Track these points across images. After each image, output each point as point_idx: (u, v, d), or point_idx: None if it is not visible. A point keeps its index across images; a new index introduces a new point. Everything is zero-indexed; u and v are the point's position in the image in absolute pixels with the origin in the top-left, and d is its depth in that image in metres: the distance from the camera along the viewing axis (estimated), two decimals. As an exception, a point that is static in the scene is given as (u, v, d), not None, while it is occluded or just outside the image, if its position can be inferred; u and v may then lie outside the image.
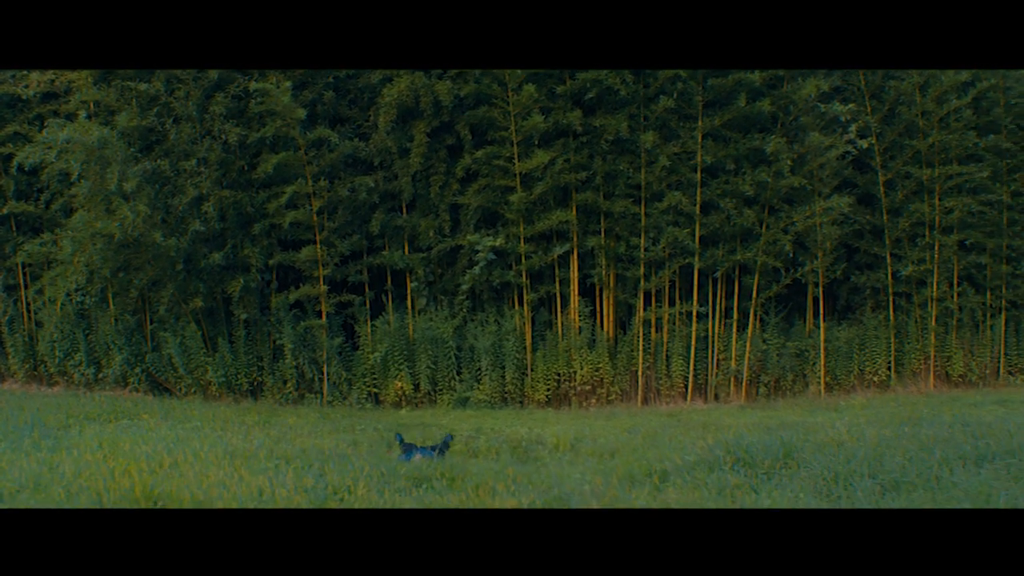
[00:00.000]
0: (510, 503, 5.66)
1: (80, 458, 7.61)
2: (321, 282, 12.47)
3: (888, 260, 13.40)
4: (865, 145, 12.99)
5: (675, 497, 5.79)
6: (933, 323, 13.41)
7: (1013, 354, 13.79)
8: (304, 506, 5.86)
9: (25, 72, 12.96)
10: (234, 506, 5.80)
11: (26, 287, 13.43)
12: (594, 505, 5.40)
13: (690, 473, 6.39)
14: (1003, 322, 13.74)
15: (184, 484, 6.38)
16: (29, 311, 13.45)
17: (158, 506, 5.87)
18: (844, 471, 5.94)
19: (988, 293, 13.71)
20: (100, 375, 12.90)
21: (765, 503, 5.35)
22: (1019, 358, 13.79)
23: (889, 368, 13.33)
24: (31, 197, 13.20)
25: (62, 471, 7.01)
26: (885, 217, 13.39)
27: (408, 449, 8.06)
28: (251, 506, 5.81)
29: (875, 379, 13.24)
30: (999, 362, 13.72)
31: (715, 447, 6.95)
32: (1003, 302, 13.78)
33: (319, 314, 12.58)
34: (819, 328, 13.12)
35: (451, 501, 5.92)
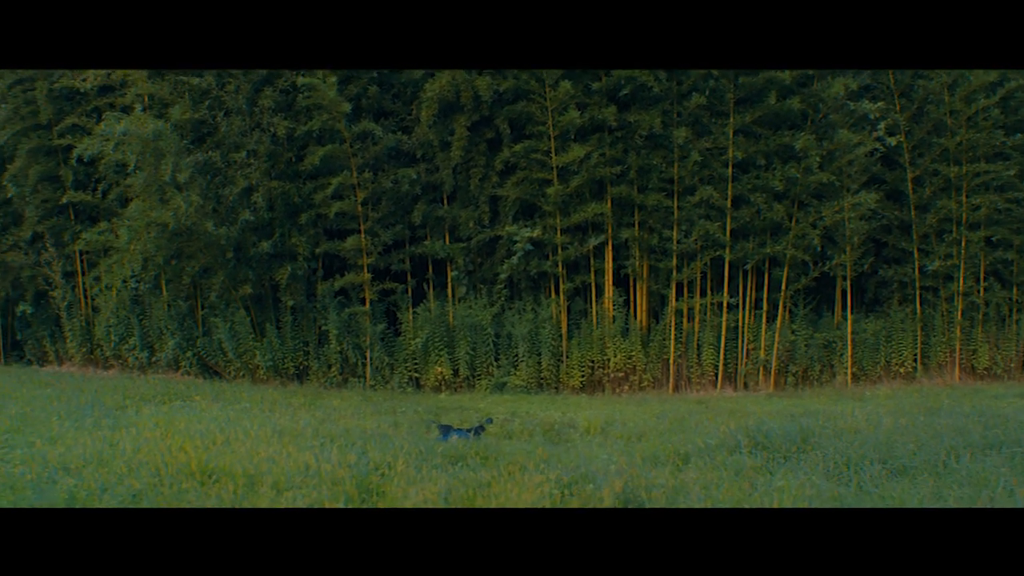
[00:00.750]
0: (537, 478, 6.04)
1: (139, 436, 8.04)
2: (365, 270, 12.93)
3: (916, 255, 13.66)
4: (894, 142, 13.23)
5: (693, 477, 6.15)
6: (959, 317, 13.63)
7: None
8: (347, 480, 6.26)
9: (84, 66, 13.58)
10: (282, 480, 6.20)
11: (83, 274, 14.03)
12: (617, 483, 5.76)
13: (710, 455, 6.76)
14: None
15: (236, 459, 6.79)
16: (86, 297, 14.05)
17: (212, 479, 6.28)
18: (856, 456, 6.30)
19: (1015, 288, 13.86)
20: (153, 359, 13.42)
21: (779, 483, 5.70)
22: None
23: (915, 360, 13.55)
24: (88, 187, 13.75)
25: (123, 447, 7.44)
26: (913, 213, 13.65)
27: (446, 430, 8.48)
28: (298, 479, 6.22)
29: (901, 371, 13.49)
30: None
31: (736, 432, 7.31)
32: None
33: (363, 301, 13.03)
34: (847, 320, 13.41)
35: (484, 477, 6.30)
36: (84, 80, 13.46)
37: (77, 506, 5.55)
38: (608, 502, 5.42)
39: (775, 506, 5.32)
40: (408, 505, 5.62)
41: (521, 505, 5.41)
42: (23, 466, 6.64)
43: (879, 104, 13.23)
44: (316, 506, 5.52)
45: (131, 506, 5.63)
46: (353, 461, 6.85)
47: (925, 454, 6.56)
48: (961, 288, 13.66)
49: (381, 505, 5.73)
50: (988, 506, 5.12)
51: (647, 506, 5.38)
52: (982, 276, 13.79)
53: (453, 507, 5.56)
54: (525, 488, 5.71)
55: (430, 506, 5.54)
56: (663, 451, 7.28)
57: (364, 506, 5.72)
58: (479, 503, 5.59)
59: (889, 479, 6.00)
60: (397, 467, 6.71)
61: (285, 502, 5.64)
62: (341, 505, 5.60)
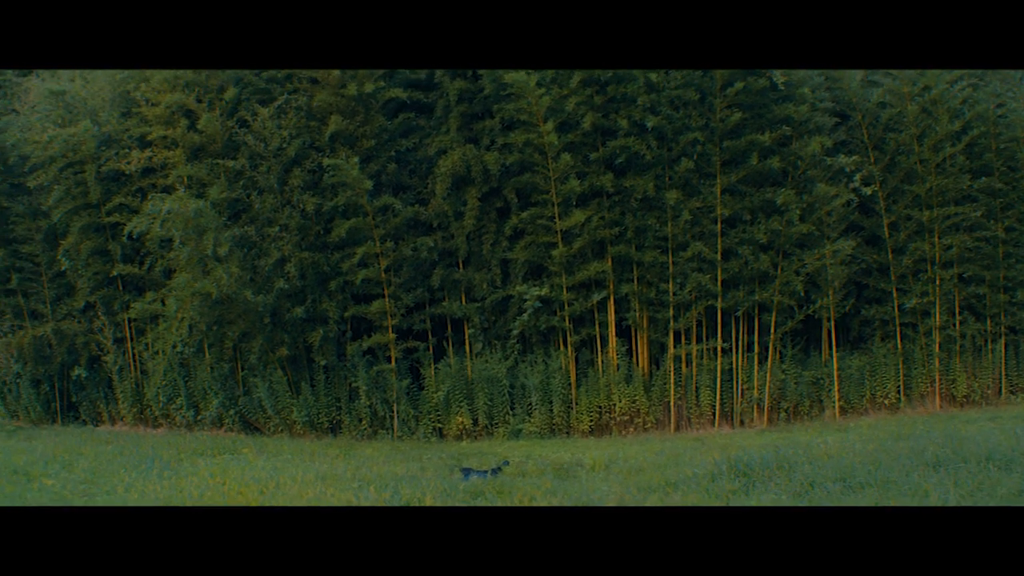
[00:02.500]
0: (540, 501, 7.32)
1: (200, 483, 9.40)
2: (390, 331, 14.10)
3: (894, 294, 14.80)
4: (869, 192, 14.34)
5: (678, 500, 7.40)
6: (937, 349, 14.76)
7: (1013, 375, 15.05)
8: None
9: (127, 150, 14.85)
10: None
11: (132, 339, 15.29)
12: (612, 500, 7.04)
13: (696, 482, 8.01)
14: (1003, 346, 15.01)
15: (287, 500, 8.11)
16: (136, 361, 15.32)
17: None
18: (820, 477, 7.54)
19: (988, 320, 14.97)
20: (199, 417, 14.57)
21: (751, 502, 6.96)
22: (1018, 378, 15.04)
23: (899, 392, 14.63)
24: (135, 260, 14.95)
25: (188, 493, 8.78)
26: (890, 255, 14.80)
27: (467, 472, 9.77)
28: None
29: (886, 402, 14.59)
30: (1000, 383, 14.95)
31: (720, 462, 8.55)
32: (1002, 328, 15.02)
33: (389, 359, 14.20)
34: (833, 358, 14.50)
35: (499, 503, 7.58)
36: (129, 163, 14.65)
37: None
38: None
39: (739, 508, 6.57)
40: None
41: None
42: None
43: (854, 158, 14.37)
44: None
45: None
46: (387, 498, 8.12)
47: (881, 473, 7.76)
48: (938, 323, 14.78)
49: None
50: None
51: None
52: (957, 311, 14.88)
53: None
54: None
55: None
56: (656, 481, 8.51)
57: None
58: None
59: (843, 494, 7.21)
60: (425, 501, 7.99)
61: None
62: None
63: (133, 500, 8.68)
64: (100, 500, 8.90)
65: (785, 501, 6.98)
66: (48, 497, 9.11)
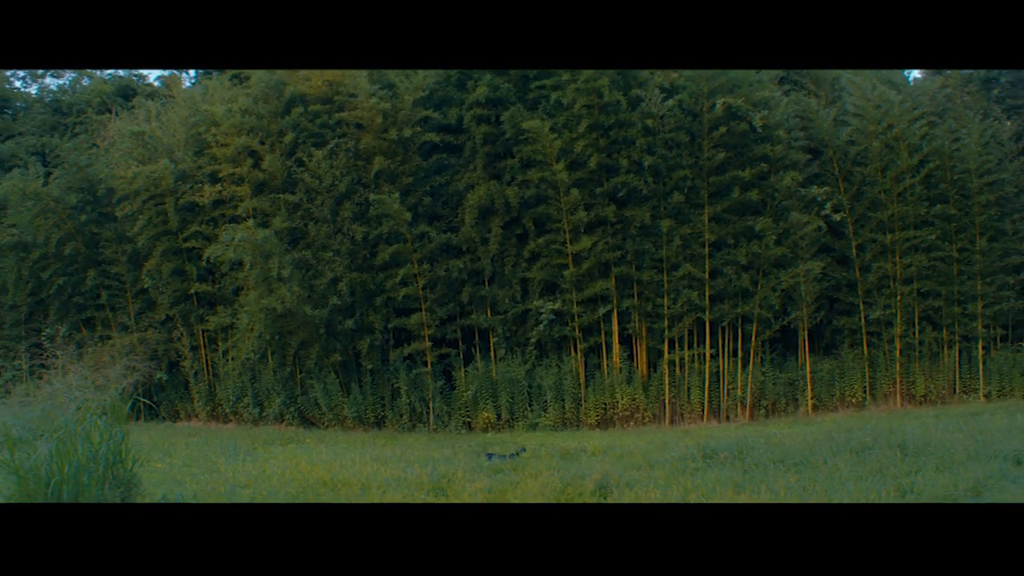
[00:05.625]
0: (545, 474, 9.66)
1: (278, 464, 11.66)
2: (426, 339, 16.40)
3: (861, 307, 17.00)
4: (839, 218, 16.63)
5: (654, 475, 9.59)
6: (898, 355, 16.91)
7: (966, 377, 16.99)
8: (426, 483, 9.58)
9: (201, 185, 17.27)
10: (383, 485, 9.46)
11: (206, 347, 17.80)
12: (596, 475, 9.24)
13: (670, 463, 10.29)
14: (957, 352, 16.99)
15: (350, 475, 10.27)
16: (208, 365, 17.82)
17: (338, 487, 9.66)
18: (764, 459, 9.86)
19: (943, 329, 16.99)
20: (263, 414, 16.90)
21: (708, 475, 9.28)
22: (971, 380, 16.97)
23: (864, 391, 16.73)
24: (208, 280, 17.50)
25: (271, 472, 11.05)
26: (858, 273, 17.03)
27: (491, 455, 12.08)
28: (394, 484, 9.52)
29: (853, 401, 16.73)
30: (955, 384, 16.93)
31: (693, 448, 10.88)
32: (956, 336, 17.03)
33: (425, 363, 16.43)
34: (806, 362, 16.69)
35: (514, 479, 9.72)
36: (202, 196, 17.11)
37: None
38: (590, 486, 8.93)
39: (698, 484, 8.84)
40: (465, 496, 9.01)
41: (536, 491, 8.89)
42: (210, 484, 10.08)
43: (825, 188, 16.62)
44: (408, 500, 8.88)
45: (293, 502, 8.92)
46: (428, 472, 10.25)
47: (811, 456, 9.96)
48: (899, 332, 16.93)
49: (448, 496, 9.12)
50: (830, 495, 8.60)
51: (614, 489, 8.82)
52: (916, 321, 17.00)
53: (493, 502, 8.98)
54: (540, 482, 9.32)
55: (479, 497, 8.92)
56: (639, 461, 10.68)
57: (438, 499, 9.05)
58: (509, 495, 8.99)
59: (775, 472, 9.33)
60: (457, 475, 10.21)
61: (389, 498, 8.95)
62: (424, 496, 9.07)
63: (228, 478, 10.90)
64: (203, 479, 11.11)
65: (733, 476, 9.29)
66: (163, 477, 11.04)
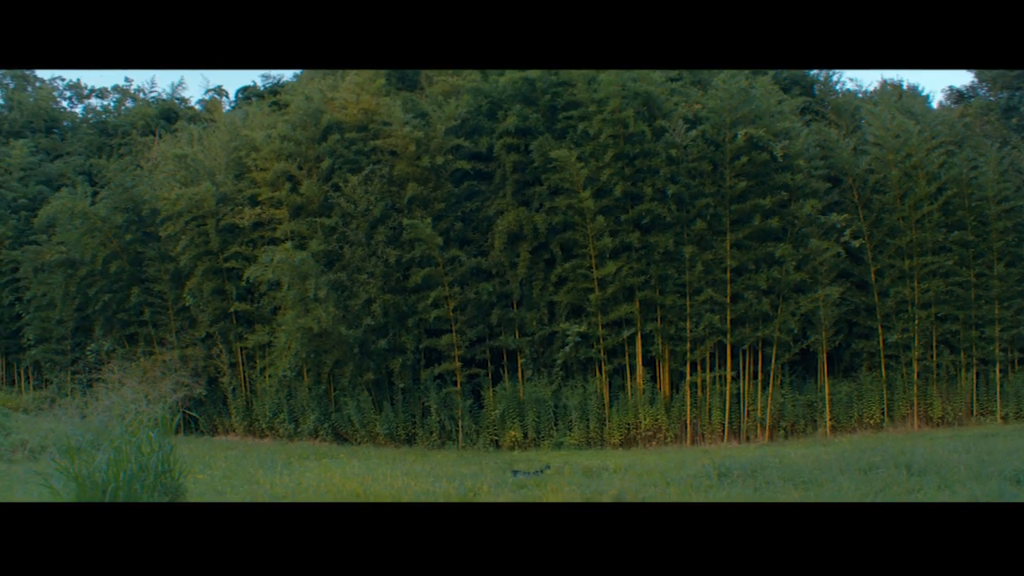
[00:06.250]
0: (567, 490, 10.21)
1: (314, 477, 12.23)
2: (456, 360, 16.93)
3: (880, 330, 17.41)
4: (858, 244, 17.06)
5: (670, 491, 10.08)
6: (916, 378, 17.32)
7: (983, 399, 17.41)
8: (453, 495, 10.05)
9: (241, 207, 17.99)
10: (413, 498, 10.03)
11: (243, 364, 18.52)
12: (613, 491, 9.82)
13: (686, 480, 10.76)
14: (974, 375, 17.42)
15: (383, 488, 10.76)
16: (246, 382, 18.55)
17: (371, 499, 10.22)
18: (775, 477, 10.35)
19: (961, 353, 17.42)
20: (298, 429, 17.55)
21: (720, 492, 9.78)
22: (988, 402, 17.39)
23: (882, 413, 17.15)
24: (247, 299, 18.19)
25: (306, 484, 11.60)
26: (876, 298, 17.48)
27: (516, 472, 12.63)
28: (423, 497, 9.99)
29: (871, 422, 17.15)
30: (972, 406, 17.38)
31: (708, 466, 11.38)
32: (974, 359, 17.43)
33: (455, 383, 16.98)
34: (825, 384, 17.11)
35: (537, 493, 10.21)
36: (242, 218, 17.84)
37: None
38: (607, 501, 9.47)
39: (709, 500, 9.34)
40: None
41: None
42: (250, 495, 10.57)
43: (845, 215, 17.08)
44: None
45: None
46: (455, 487, 10.67)
47: (820, 475, 10.36)
48: (917, 355, 17.32)
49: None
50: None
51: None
52: (934, 344, 17.41)
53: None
54: (561, 497, 9.87)
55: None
56: (657, 479, 11.12)
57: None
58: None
59: (783, 489, 9.76)
60: (483, 489, 10.63)
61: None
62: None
63: (267, 490, 11.48)
64: (243, 490, 11.67)
65: (744, 493, 9.79)
66: (205, 487, 11.58)
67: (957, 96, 23.72)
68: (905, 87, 23.03)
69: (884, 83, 23.57)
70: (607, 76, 16.20)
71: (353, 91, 17.98)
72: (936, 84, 55.08)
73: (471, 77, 18.13)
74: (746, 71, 17.20)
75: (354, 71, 18.22)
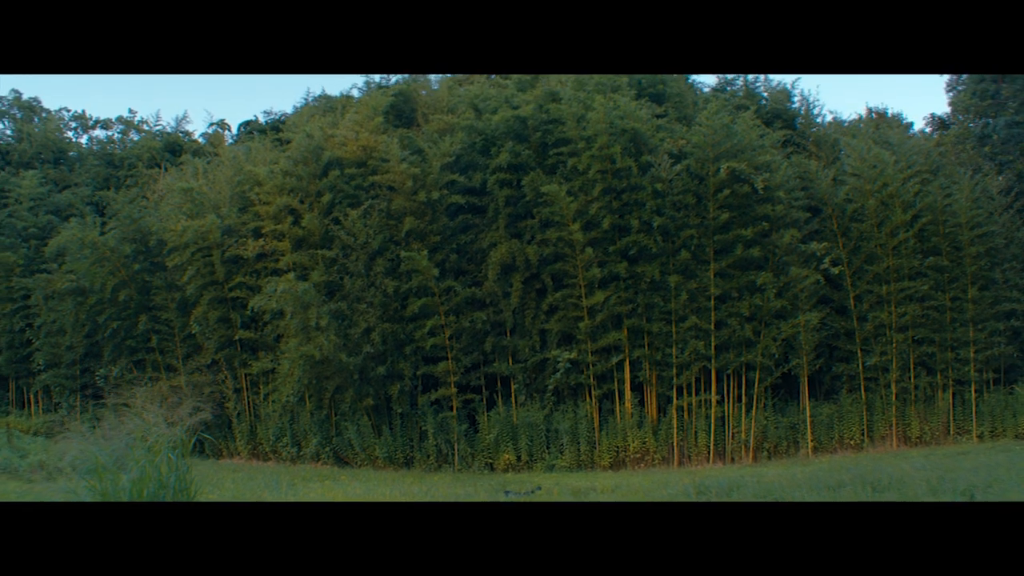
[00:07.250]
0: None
1: (317, 498, 12.77)
2: (452, 386, 17.65)
3: (859, 354, 18.11)
4: (837, 271, 17.77)
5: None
6: (894, 399, 17.96)
7: (960, 419, 18.04)
8: None
9: (245, 239, 18.72)
10: None
11: (248, 390, 19.24)
12: None
13: (666, 498, 11.44)
14: (950, 395, 18.04)
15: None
16: (251, 407, 19.25)
17: None
18: (749, 495, 11.01)
19: (937, 374, 18.06)
20: (300, 453, 18.25)
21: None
22: (964, 421, 18.01)
23: (862, 434, 17.74)
24: (251, 327, 18.92)
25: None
26: (855, 322, 18.16)
27: (508, 492, 13.28)
28: None
29: (851, 443, 17.78)
30: (949, 425, 18.03)
31: (688, 486, 12.05)
32: (950, 380, 18.06)
33: (451, 408, 17.70)
34: (807, 406, 17.80)
35: None
36: (246, 250, 18.56)
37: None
38: None
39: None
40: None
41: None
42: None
43: (824, 243, 17.78)
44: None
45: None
46: None
47: (788, 493, 10.81)
48: (895, 377, 17.95)
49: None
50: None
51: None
52: (911, 366, 18.04)
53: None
54: None
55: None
56: (640, 498, 11.69)
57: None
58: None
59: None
60: None
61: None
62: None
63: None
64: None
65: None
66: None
67: (939, 123, 24.48)
68: (890, 114, 23.84)
69: (869, 110, 24.36)
70: (595, 114, 16.95)
71: (352, 128, 18.72)
72: (919, 112, 55.84)
73: (466, 115, 18.88)
74: (730, 109, 17.93)
75: (353, 109, 18.95)
